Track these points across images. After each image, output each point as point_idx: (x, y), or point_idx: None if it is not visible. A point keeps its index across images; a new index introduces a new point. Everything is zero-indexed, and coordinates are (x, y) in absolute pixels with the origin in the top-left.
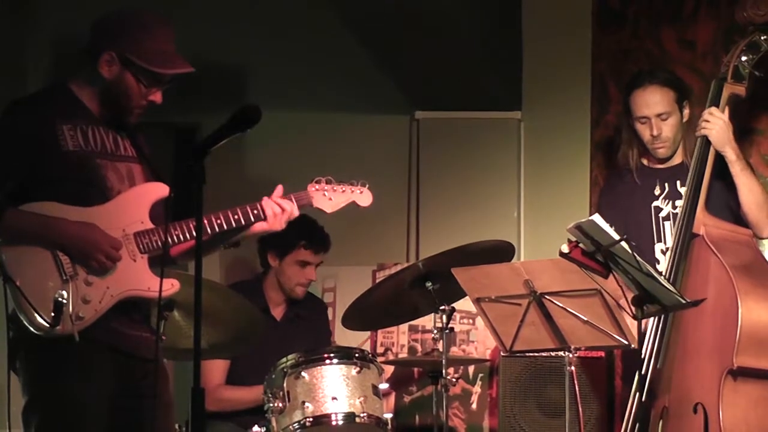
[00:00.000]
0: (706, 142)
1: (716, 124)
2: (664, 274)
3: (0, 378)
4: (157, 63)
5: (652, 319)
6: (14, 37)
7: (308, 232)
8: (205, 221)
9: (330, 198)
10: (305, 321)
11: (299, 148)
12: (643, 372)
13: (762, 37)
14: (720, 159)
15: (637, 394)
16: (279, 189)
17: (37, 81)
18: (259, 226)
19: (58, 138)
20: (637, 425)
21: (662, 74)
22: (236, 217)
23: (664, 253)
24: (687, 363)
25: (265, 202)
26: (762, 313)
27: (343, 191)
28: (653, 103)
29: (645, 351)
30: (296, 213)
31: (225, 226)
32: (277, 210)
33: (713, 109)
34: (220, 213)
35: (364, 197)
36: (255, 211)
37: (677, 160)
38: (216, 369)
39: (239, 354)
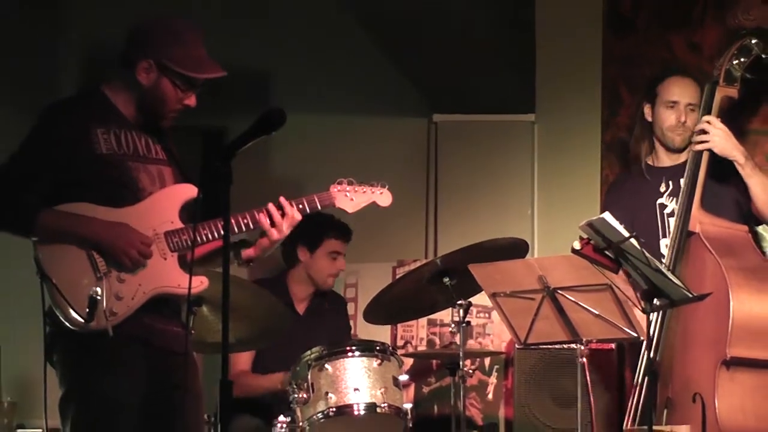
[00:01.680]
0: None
1: (716, 136)
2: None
3: (37, 371)
4: (194, 68)
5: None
6: (47, 43)
7: (334, 224)
8: (233, 221)
9: (351, 198)
10: (327, 316)
11: (322, 150)
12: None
13: (753, 41)
14: (717, 159)
15: (642, 381)
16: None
17: (69, 86)
18: (264, 242)
19: (92, 141)
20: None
21: (692, 73)
22: (261, 216)
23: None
24: (687, 355)
25: (262, 213)
26: (754, 305)
27: (364, 192)
28: (686, 92)
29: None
30: (298, 217)
31: (252, 226)
32: (278, 219)
33: (711, 119)
34: (247, 213)
35: (384, 198)
36: (281, 211)
37: (683, 158)
38: (242, 357)
39: (263, 347)
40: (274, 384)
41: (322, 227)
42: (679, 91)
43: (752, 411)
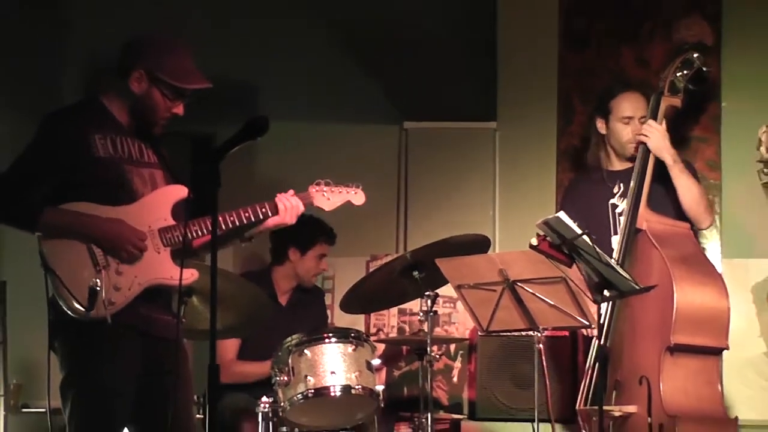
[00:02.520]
0: (647, 149)
1: (653, 134)
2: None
3: (41, 356)
4: (182, 79)
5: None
6: (47, 43)
7: (324, 230)
8: (220, 218)
9: (328, 198)
10: (306, 306)
11: (303, 154)
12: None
13: (695, 55)
14: (663, 164)
15: (594, 365)
16: (290, 192)
17: (69, 86)
18: (273, 221)
19: (90, 146)
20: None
21: (640, 87)
22: (247, 214)
23: None
24: (634, 342)
25: (279, 198)
26: (695, 296)
27: (340, 192)
28: (638, 107)
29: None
30: (302, 208)
31: (237, 223)
32: (288, 204)
33: (651, 121)
34: (233, 211)
35: (358, 197)
36: (263, 210)
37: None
38: (229, 346)
39: (248, 334)
40: (264, 371)
41: (315, 232)
42: (632, 107)
43: (694, 393)
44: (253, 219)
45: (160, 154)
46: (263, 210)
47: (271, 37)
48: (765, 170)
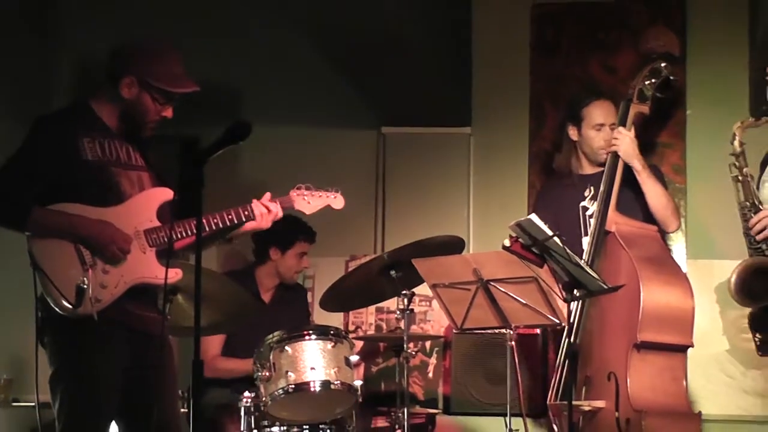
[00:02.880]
0: (616, 155)
1: (624, 141)
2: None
3: (31, 351)
4: (171, 83)
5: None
6: (41, 60)
7: (304, 229)
8: (204, 220)
9: (309, 202)
10: (289, 303)
11: (284, 158)
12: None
13: (662, 64)
14: (632, 169)
15: (564, 361)
16: (267, 195)
17: (60, 99)
18: (250, 225)
19: (79, 149)
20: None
21: (609, 94)
22: (230, 216)
23: None
24: (603, 339)
25: (254, 204)
26: (661, 296)
27: (320, 196)
28: (609, 114)
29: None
30: (280, 213)
31: (221, 225)
32: (264, 211)
33: (621, 129)
34: (217, 213)
35: (337, 201)
36: (246, 212)
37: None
38: (213, 343)
39: (231, 331)
40: (247, 368)
41: (294, 231)
42: (604, 114)
43: (660, 388)
44: (236, 221)
45: (147, 157)
46: (245, 213)
47: (253, 42)
48: (736, 163)
